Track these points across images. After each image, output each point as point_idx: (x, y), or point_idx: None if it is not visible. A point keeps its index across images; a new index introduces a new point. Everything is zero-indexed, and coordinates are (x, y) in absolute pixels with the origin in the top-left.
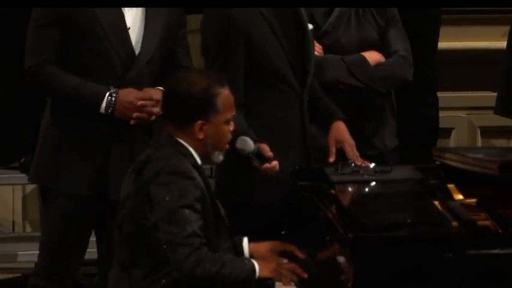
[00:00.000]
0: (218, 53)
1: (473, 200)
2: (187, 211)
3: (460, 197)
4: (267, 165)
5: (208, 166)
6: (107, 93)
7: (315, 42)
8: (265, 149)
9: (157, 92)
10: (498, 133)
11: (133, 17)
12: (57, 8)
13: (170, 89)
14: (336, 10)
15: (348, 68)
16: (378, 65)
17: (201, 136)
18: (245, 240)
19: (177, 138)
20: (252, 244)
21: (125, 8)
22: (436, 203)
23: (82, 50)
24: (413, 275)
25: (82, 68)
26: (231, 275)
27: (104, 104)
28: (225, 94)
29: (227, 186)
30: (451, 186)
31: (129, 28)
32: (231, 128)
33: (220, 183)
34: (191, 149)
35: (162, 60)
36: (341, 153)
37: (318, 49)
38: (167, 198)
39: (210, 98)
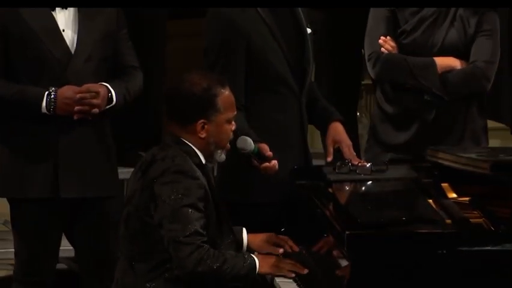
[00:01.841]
0: (219, 55)
1: (467, 199)
2: (190, 210)
3: (454, 195)
4: (266, 164)
5: (210, 166)
6: (46, 93)
7: (389, 39)
8: (265, 148)
9: (95, 86)
10: (490, 133)
11: (65, 18)
12: None
13: (173, 88)
14: (422, 12)
15: (411, 69)
16: (448, 71)
17: (203, 135)
18: (244, 231)
19: (181, 138)
20: (250, 235)
21: (57, 10)
22: (430, 201)
23: (20, 58)
24: (407, 272)
25: (22, 74)
26: (232, 271)
27: (44, 104)
28: (225, 94)
29: (227, 185)
30: (444, 185)
31: (63, 30)
32: (233, 127)
33: (220, 183)
34: (195, 149)
35: (103, 58)
36: (339, 153)
37: (388, 46)
38: (171, 197)
39: (211, 97)
